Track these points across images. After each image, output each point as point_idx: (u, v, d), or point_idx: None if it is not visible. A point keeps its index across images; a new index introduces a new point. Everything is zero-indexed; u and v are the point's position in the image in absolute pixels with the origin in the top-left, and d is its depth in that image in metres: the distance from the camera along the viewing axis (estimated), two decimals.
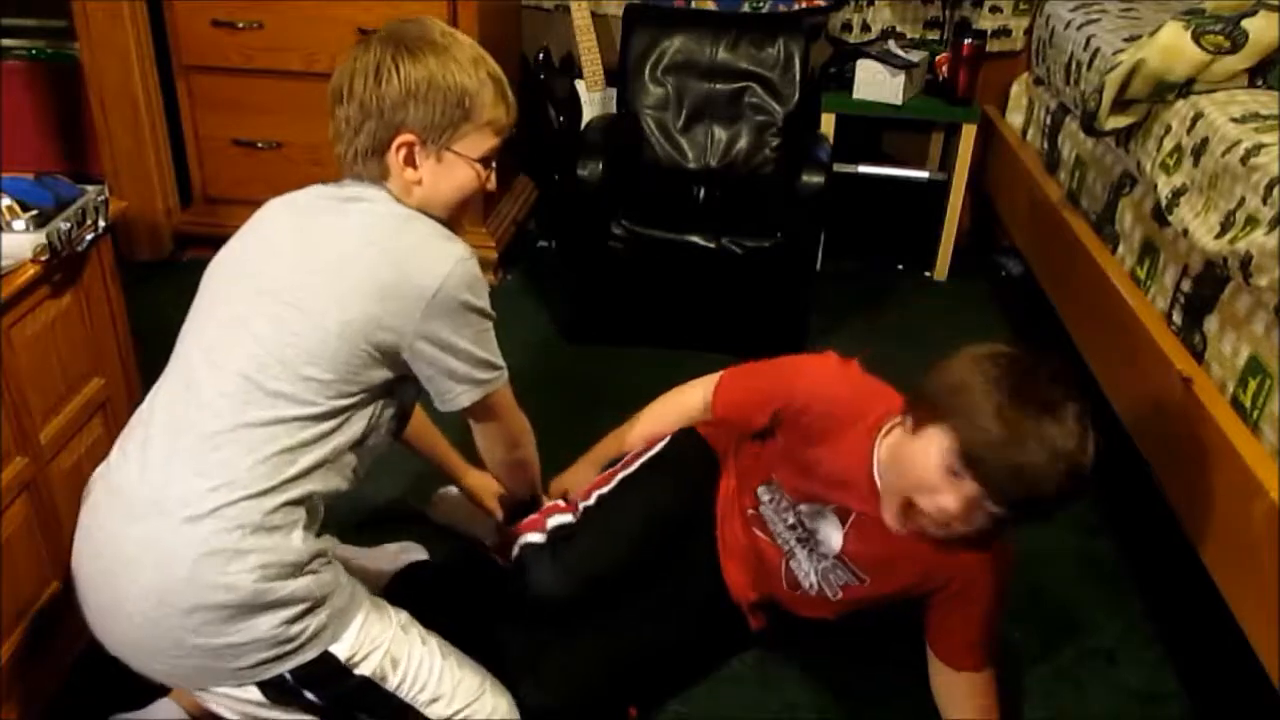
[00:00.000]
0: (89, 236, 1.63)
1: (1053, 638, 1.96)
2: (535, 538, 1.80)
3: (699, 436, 1.86)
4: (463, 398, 1.44)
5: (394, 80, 1.34)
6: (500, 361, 1.47)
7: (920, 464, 1.45)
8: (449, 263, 1.35)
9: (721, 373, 1.83)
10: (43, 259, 1.52)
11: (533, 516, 1.88)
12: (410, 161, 1.39)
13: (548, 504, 1.89)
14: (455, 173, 1.41)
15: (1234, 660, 1.68)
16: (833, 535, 1.66)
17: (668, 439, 1.86)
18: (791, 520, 1.71)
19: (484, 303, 1.42)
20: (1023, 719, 1.80)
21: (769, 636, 1.86)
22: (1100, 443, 1.39)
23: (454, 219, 1.46)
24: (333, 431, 1.34)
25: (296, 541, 1.31)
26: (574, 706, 1.65)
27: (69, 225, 1.57)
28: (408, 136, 1.37)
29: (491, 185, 1.47)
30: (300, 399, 1.31)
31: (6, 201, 1.53)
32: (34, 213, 1.54)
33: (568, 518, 1.81)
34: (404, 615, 1.48)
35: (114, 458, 1.38)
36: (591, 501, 1.82)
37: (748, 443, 1.80)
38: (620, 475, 1.84)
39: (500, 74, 1.41)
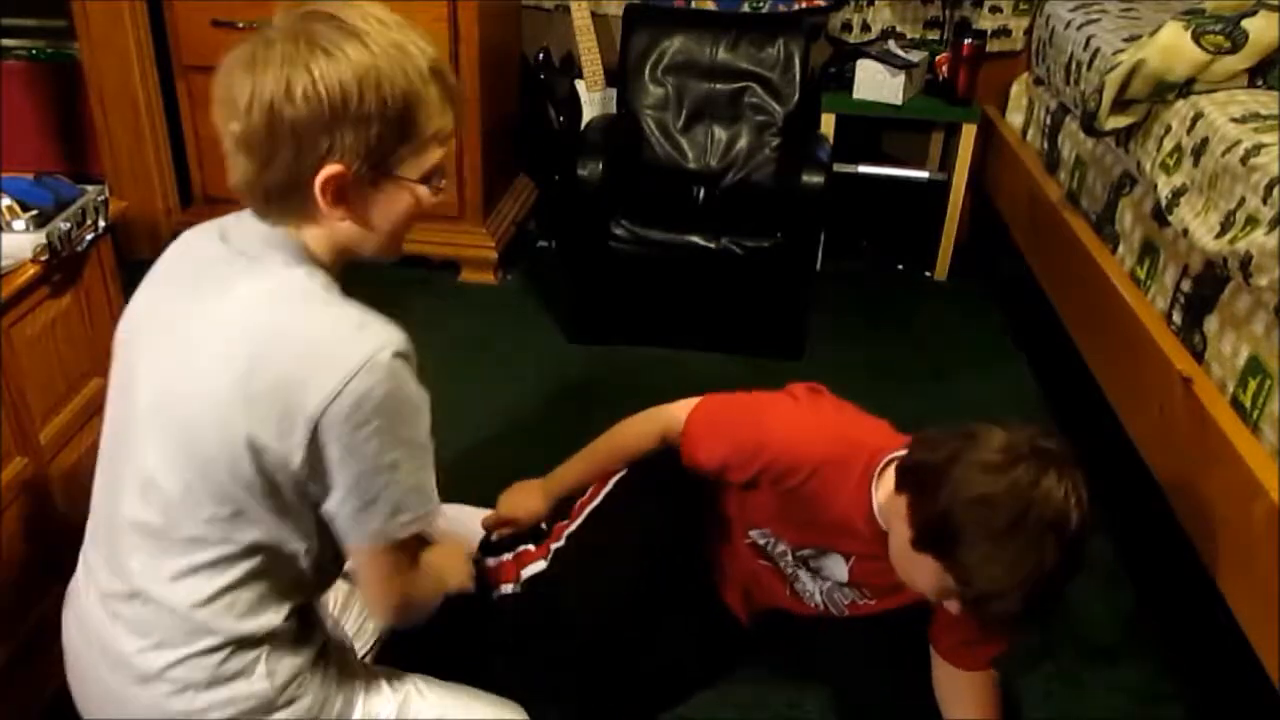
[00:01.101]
0: (89, 236, 1.63)
1: (1053, 638, 1.96)
2: (507, 589, 1.77)
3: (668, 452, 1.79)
4: (358, 535, 1.13)
5: (311, 92, 0.99)
6: (431, 495, 1.15)
7: (920, 580, 1.41)
8: (350, 367, 1.03)
9: (689, 409, 1.66)
10: (43, 259, 1.52)
11: (505, 560, 1.84)
12: (339, 199, 1.06)
13: (509, 557, 1.84)
14: (394, 202, 1.10)
15: (1234, 660, 1.68)
16: (838, 569, 1.64)
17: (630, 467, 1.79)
18: (793, 559, 1.69)
19: (409, 418, 1.09)
20: (1023, 719, 1.80)
21: (770, 637, 1.86)
22: (1087, 523, 1.32)
23: (393, 245, 1.17)
24: (268, 563, 1.14)
25: (259, 684, 1.15)
26: (573, 714, 1.65)
27: (69, 225, 1.57)
28: (334, 168, 1.03)
29: (440, 199, 1.15)
30: (212, 540, 1.11)
31: (6, 201, 1.53)
32: (34, 213, 1.54)
33: (540, 565, 1.77)
34: (402, 681, 1.36)
35: (80, 569, 1.23)
36: (562, 543, 1.77)
37: (721, 486, 1.68)
38: (589, 509, 1.78)
39: (443, 63, 1.08)
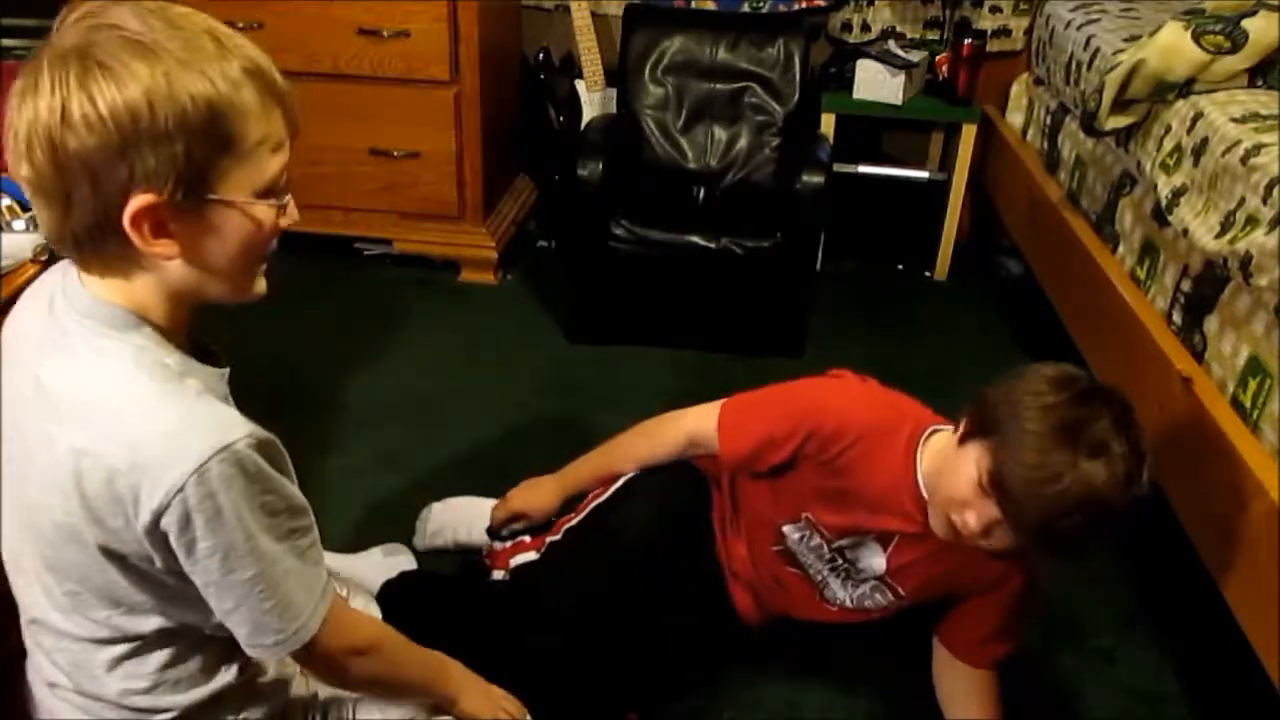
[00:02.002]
0: None
1: (1053, 638, 1.96)
2: (498, 575, 1.80)
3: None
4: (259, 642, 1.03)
5: (92, 116, 0.86)
6: (299, 611, 1.03)
7: (956, 478, 1.41)
8: (174, 480, 0.92)
9: (718, 408, 1.68)
10: (43, 259, 1.52)
11: (501, 548, 1.87)
12: (160, 231, 0.93)
13: (509, 545, 1.87)
14: (228, 230, 0.95)
15: (1234, 660, 1.68)
16: (875, 561, 1.62)
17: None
18: (828, 555, 1.65)
19: (257, 527, 0.96)
20: (1023, 719, 1.80)
21: (770, 637, 1.85)
22: (1142, 492, 1.34)
23: (242, 283, 1.03)
24: (192, 640, 1.09)
25: None
26: (574, 713, 1.65)
27: None
28: (143, 199, 0.90)
29: (290, 218, 1.01)
30: (124, 635, 1.05)
31: (6, 201, 1.53)
32: (34, 213, 1.54)
33: (532, 556, 1.79)
34: None
35: (28, 642, 1.16)
36: (559, 536, 1.79)
37: (750, 482, 1.70)
38: (591, 506, 1.79)
39: (261, 62, 0.94)
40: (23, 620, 1.14)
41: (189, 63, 0.89)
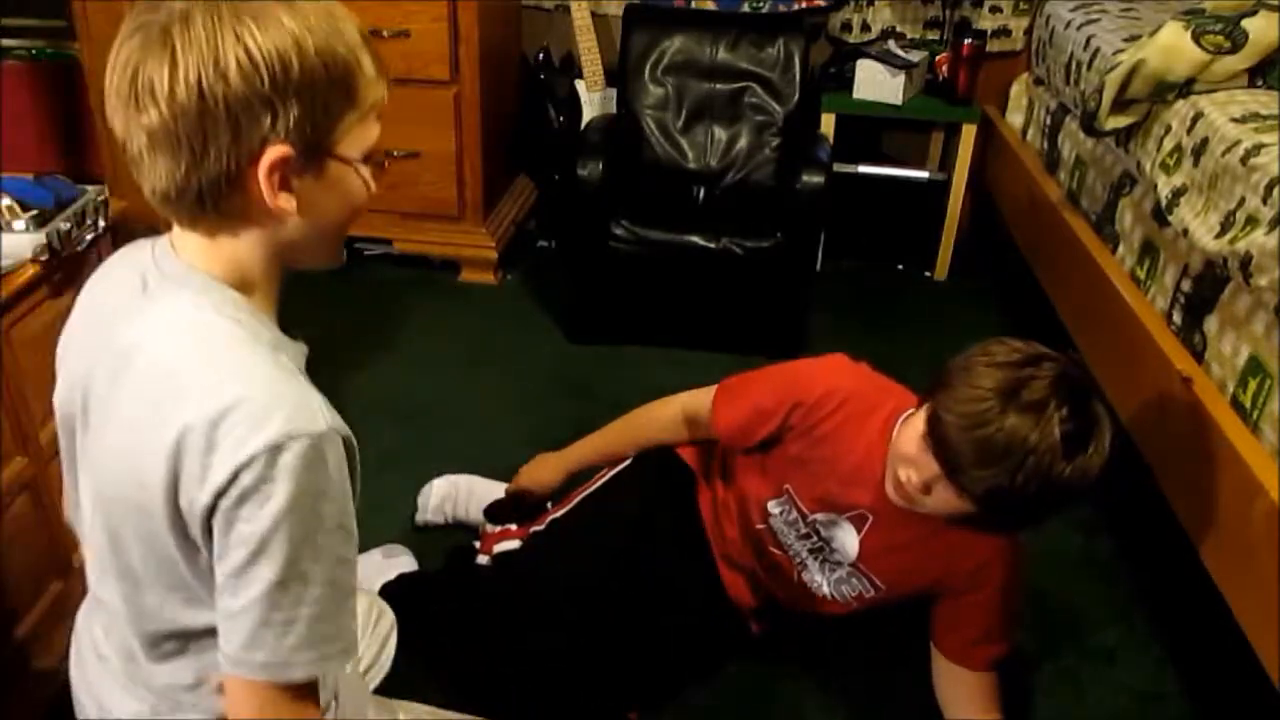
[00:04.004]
0: (89, 236, 1.64)
1: (1053, 638, 1.96)
2: (483, 560, 1.83)
3: (668, 450, 1.85)
4: (245, 664, 0.93)
5: (246, 63, 0.86)
6: (347, 640, 0.96)
7: (908, 433, 1.47)
8: (248, 452, 0.87)
9: (715, 389, 1.73)
10: (43, 259, 1.52)
11: (488, 533, 1.90)
12: (284, 185, 0.92)
13: (497, 530, 1.89)
14: (343, 186, 0.96)
15: (1234, 660, 1.68)
16: (848, 542, 1.64)
17: (631, 460, 1.84)
18: (804, 530, 1.68)
19: (325, 528, 0.91)
20: (1023, 719, 1.80)
21: (770, 637, 1.86)
22: (1096, 466, 1.35)
23: (337, 247, 1.04)
24: None
25: None
26: (575, 712, 1.65)
27: (69, 225, 1.58)
28: (280, 149, 0.89)
29: (377, 190, 1.02)
30: (178, 626, 1.02)
31: (6, 201, 1.53)
32: (34, 213, 1.54)
33: (514, 544, 1.81)
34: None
35: (85, 604, 1.13)
36: (542, 526, 1.81)
37: (742, 458, 1.74)
38: (580, 497, 1.83)
39: (367, 33, 0.96)
40: (89, 583, 1.12)
41: (328, 22, 0.90)
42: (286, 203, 0.92)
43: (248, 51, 0.85)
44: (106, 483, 0.98)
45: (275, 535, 0.89)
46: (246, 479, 0.87)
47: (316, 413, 0.91)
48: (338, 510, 0.93)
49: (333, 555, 0.92)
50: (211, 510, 0.89)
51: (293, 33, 0.87)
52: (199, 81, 0.85)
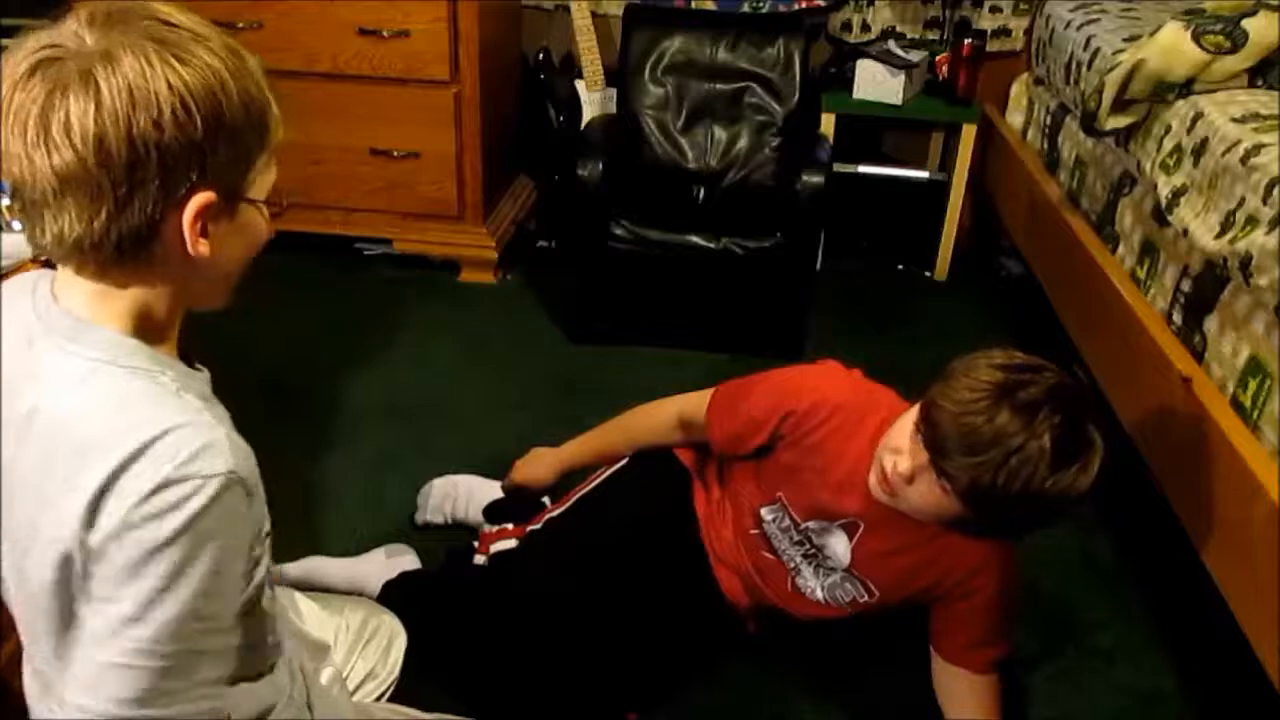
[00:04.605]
0: None
1: (1053, 638, 1.96)
2: (479, 560, 1.82)
3: (665, 451, 1.85)
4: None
5: (180, 109, 0.82)
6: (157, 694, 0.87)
7: (900, 425, 1.48)
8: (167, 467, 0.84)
9: (710, 393, 1.74)
10: (43, 259, 1.52)
11: (488, 532, 1.89)
12: (204, 231, 0.88)
13: (494, 530, 1.89)
14: (251, 229, 0.94)
15: (1234, 660, 1.68)
16: (840, 550, 1.64)
17: (628, 460, 1.85)
18: (797, 537, 1.68)
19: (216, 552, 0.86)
20: (1023, 719, 1.80)
21: (766, 637, 1.85)
22: (1083, 486, 1.36)
23: (232, 287, 1.00)
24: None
25: None
26: (573, 713, 1.64)
27: None
28: (205, 196, 0.86)
29: (272, 229, 1.00)
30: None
31: (6, 201, 1.53)
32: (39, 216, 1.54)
33: (511, 544, 1.81)
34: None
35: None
36: (539, 526, 1.81)
37: (738, 463, 1.74)
38: (576, 497, 1.84)
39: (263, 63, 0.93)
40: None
41: (236, 58, 0.88)
42: (205, 249, 0.88)
43: (181, 99, 0.82)
44: (22, 554, 0.92)
45: (149, 564, 0.83)
46: (135, 516, 0.83)
47: (217, 455, 0.86)
48: (226, 552, 0.87)
49: (200, 597, 0.86)
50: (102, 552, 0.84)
51: (219, 73, 0.85)
52: (129, 130, 0.81)
